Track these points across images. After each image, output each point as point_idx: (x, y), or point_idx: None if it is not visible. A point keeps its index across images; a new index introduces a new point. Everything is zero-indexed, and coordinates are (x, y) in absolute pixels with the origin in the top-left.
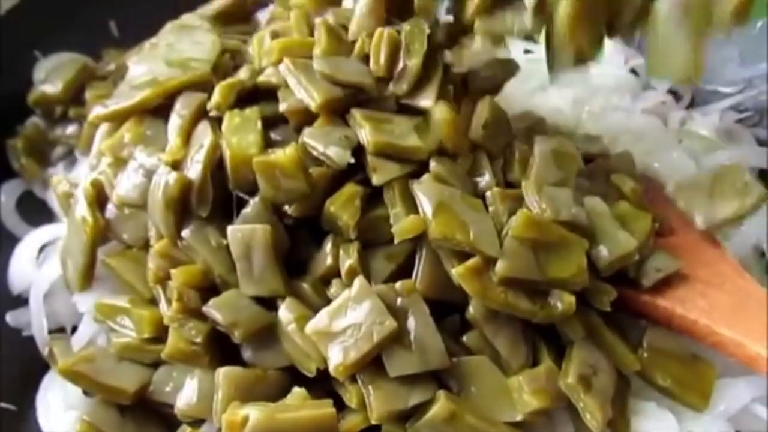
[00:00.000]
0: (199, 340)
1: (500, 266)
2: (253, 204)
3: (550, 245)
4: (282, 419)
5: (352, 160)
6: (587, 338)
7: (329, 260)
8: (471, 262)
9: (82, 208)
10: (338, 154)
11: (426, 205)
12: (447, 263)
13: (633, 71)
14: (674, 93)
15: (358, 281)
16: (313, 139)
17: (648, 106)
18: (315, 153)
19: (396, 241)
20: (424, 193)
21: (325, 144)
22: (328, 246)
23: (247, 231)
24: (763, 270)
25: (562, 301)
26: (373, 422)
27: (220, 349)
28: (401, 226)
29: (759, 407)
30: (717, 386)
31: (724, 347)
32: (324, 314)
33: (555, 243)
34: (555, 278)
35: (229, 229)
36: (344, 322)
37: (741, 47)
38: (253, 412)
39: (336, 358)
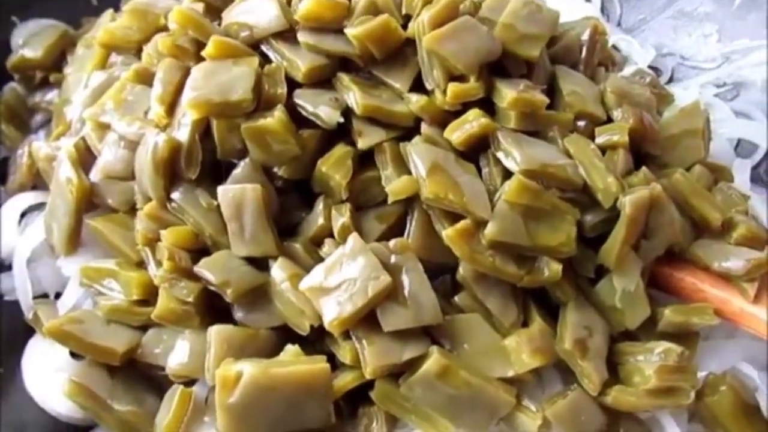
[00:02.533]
0: (191, 299)
1: (490, 229)
2: (243, 165)
3: (541, 212)
4: (276, 374)
5: (342, 120)
6: (578, 298)
7: (321, 220)
8: (461, 224)
9: (66, 170)
10: (328, 114)
11: (420, 166)
12: (438, 224)
13: (614, 47)
14: (655, 69)
15: (353, 237)
16: (303, 99)
17: None
18: (304, 113)
19: (390, 201)
20: (418, 154)
21: (314, 104)
22: (319, 206)
23: (237, 190)
24: None
25: (549, 269)
26: (367, 376)
27: (211, 309)
28: (395, 186)
29: (747, 367)
30: (706, 348)
31: (710, 304)
32: (318, 270)
33: (547, 211)
34: (543, 245)
35: (220, 189)
36: (339, 277)
37: (719, 24)
38: (247, 367)
39: (331, 312)
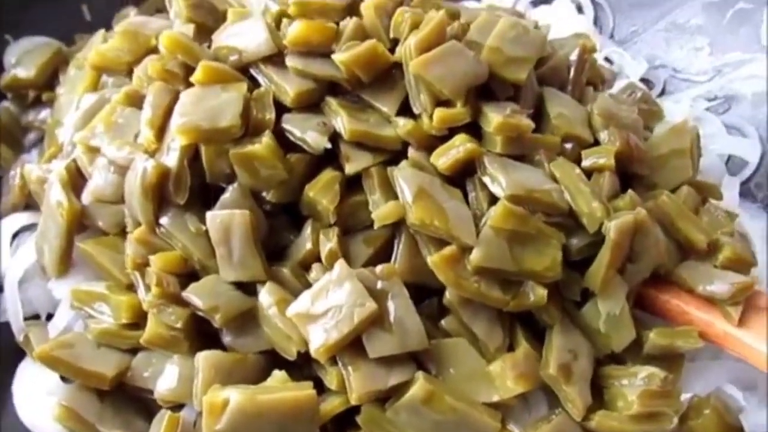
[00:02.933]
0: (179, 325)
1: (475, 255)
2: (231, 189)
3: (527, 237)
4: (263, 401)
5: (329, 146)
6: (564, 321)
7: (309, 245)
8: (446, 251)
9: (57, 193)
10: (315, 140)
11: (406, 191)
12: (425, 249)
13: (607, 59)
14: (647, 81)
15: (339, 264)
16: (291, 124)
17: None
18: (292, 138)
19: (376, 227)
20: (404, 179)
21: (302, 129)
22: (307, 231)
23: (225, 216)
24: None
25: (535, 293)
26: (353, 403)
27: (200, 334)
28: (381, 211)
29: (732, 388)
30: (691, 369)
31: (694, 327)
32: (305, 297)
33: (532, 235)
34: (529, 270)
35: (208, 214)
36: (325, 304)
37: (711, 37)
38: (234, 394)
39: (317, 339)
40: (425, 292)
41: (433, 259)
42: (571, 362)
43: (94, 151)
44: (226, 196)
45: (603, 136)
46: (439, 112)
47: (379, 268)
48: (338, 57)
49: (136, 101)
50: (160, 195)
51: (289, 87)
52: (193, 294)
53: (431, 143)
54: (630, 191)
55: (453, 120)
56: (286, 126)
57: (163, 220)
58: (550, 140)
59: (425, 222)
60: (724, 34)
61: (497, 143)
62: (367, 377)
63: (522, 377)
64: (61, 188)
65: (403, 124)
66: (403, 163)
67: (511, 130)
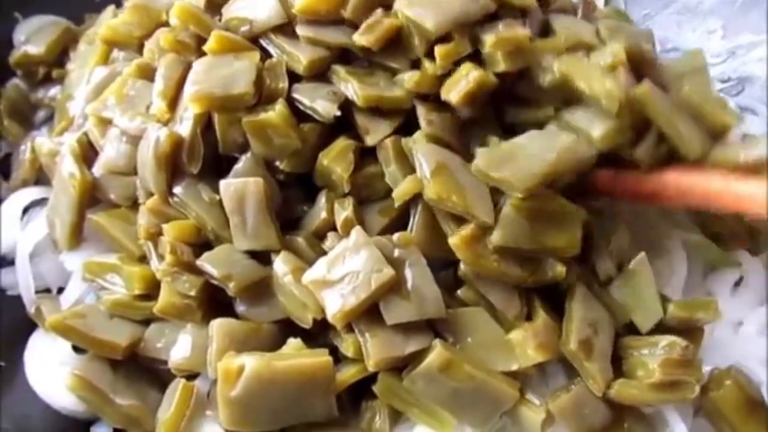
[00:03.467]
0: (193, 293)
1: (496, 236)
2: (245, 159)
3: (548, 214)
4: (279, 367)
5: (339, 113)
6: (586, 295)
7: (323, 214)
8: (466, 231)
9: (69, 164)
10: (325, 108)
11: (425, 166)
12: (444, 225)
13: None
14: None
15: (356, 231)
16: (301, 93)
17: None
18: (302, 108)
19: (395, 205)
20: (423, 153)
21: (311, 98)
22: (322, 200)
23: (239, 184)
24: None
25: (554, 270)
26: (371, 369)
27: (213, 303)
28: (401, 190)
29: (753, 362)
30: (711, 342)
31: (692, 196)
32: (321, 263)
33: (554, 212)
34: (549, 247)
35: (222, 182)
36: (342, 270)
37: (724, 20)
38: (249, 360)
39: (334, 305)
40: (440, 264)
41: (454, 240)
42: (592, 337)
43: (105, 123)
44: (239, 165)
45: (611, 45)
46: (439, 49)
47: (396, 236)
48: (360, 39)
49: (147, 74)
50: (173, 164)
51: (301, 55)
52: (207, 262)
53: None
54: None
55: (453, 53)
56: (296, 95)
57: (177, 190)
58: (553, 44)
59: (443, 197)
60: (736, 17)
61: (499, 61)
62: (385, 344)
63: (543, 346)
64: (73, 160)
65: (410, 76)
66: (419, 134)
67: (508, 43)
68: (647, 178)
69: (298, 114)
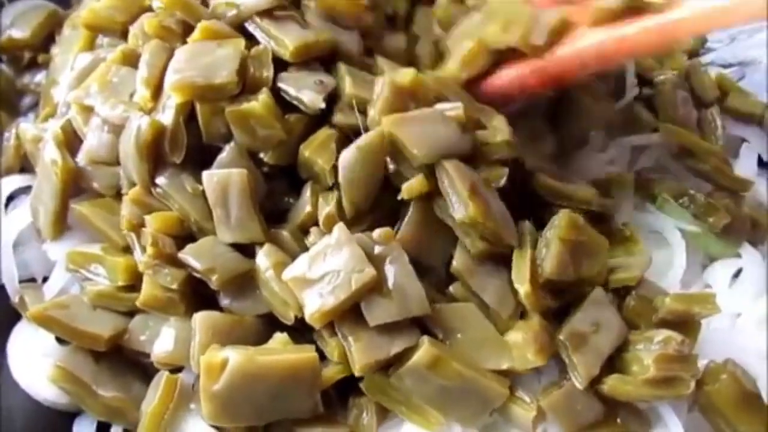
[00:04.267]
0: (174, 286)
1: (549, 271)
2: (228, 149)
3: (584, 245)
4: (263, 362)
5: (323, 105)
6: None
7: (308, 207)
8: (531, 279)
9: (51, 152)
10: (311, 99)
11: (460, 187)
12: (468, 241)
13: None
14: None
15: (338, 228)
16: (286, 83)
17: None
18: (287, 97)
19: (404, 196)
20: (458, 174)
21: (297, 88)
22: (307, 193)
23: (223, 175)
24: None
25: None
26: (357, 374)
27: (197, 296)
28: (411, 185)
29: (748, 355)
30: (706, 335)
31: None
32: (302, 260)
33: (587, 243)
34: (585, 277)
35: (205, 173)
36: (322, 268)
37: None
38: (233, 354)
39: (312, 305)
40: (426, 267)
41: (525, 290)
42: (589, 334)
43: (88, 111)
44: (223, 155)
45: None
46: None
47: (376, 233)
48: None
49: (131, 60)
50: (155, 154)
51: (288, 40)
52: (190, 255)
53: None
54: None
55: None
56: (281, 85)
57: (160, 180)
58: None
59: (477, 221)
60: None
61: None
62: (369, 347)
63: (542, 350)
64: (56, 147)
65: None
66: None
67: None
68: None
69: (285, 104)
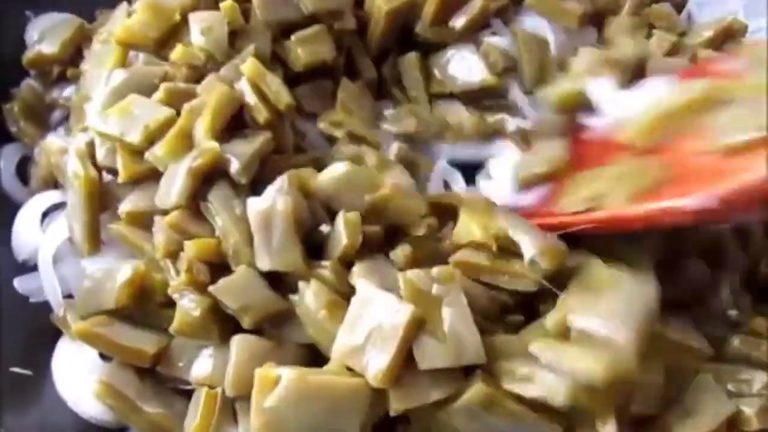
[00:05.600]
0: (197, 314)
1: None
2: (279, 180)
3: None
4: (316, 382)
5: None
6: None
7: (344, 240)
8: None
9: (73, 163)
10: None
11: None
12: None
13: None
14: None
15: (359, 284)
16: None
17: None
18: None
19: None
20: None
21: None
22: (340, 225)
23: (268, 201)
24: None
25: None
26: (391, 414)
27: (233, 323)
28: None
29: None
30: None
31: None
32: (342, 332)
33: None
34: None
35: (250, 199)
36: (364, 329)
37: (745, 1)
38: (287, 371)
39: (372, 369)
40: None
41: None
42: None
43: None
44: (272, 187)
45: None
46: None
47: (436, 270)
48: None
49: (174, 101)
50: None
51: None
52: (223, 292)
53: None
54: None
55: None
56: None
57: (212, 196)
58: None
59: None
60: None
61: None
62: (410, 391)
63: None
64: (78, 159)
65: None
66: None
67: None
68: None
69: None
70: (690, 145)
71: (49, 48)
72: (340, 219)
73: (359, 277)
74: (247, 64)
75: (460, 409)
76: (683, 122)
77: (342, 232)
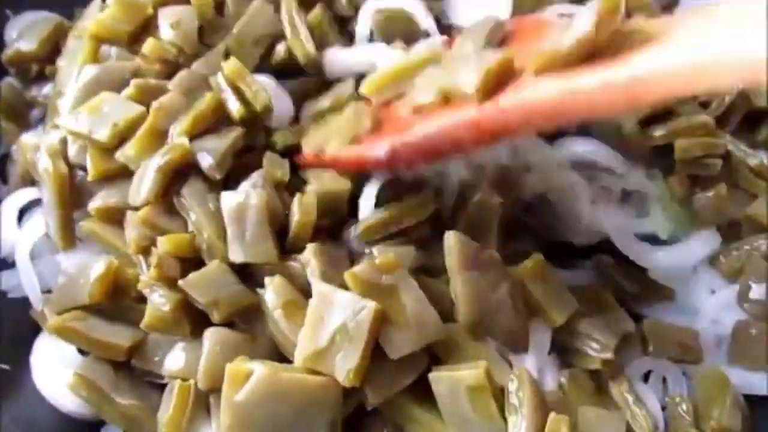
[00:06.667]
0: (167, 309)
1: None
2: (255, 176)
3: None
4: (287, 378)
5: None
6: None
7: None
8: None
9: (44, 160)
10: None
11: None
12: None
13: None
14: None
15: (315, 284)
16: None
17: None
18: None
19: None
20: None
21: None
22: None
23: (242, 195)
24: None
25: None
26: (369, 407)
27: (204, 318)
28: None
29: None
30: None
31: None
32: (302, 337)
33: None
34: None
35: (224, 193)
36: (327, 331)
37: None
38: (259, 367)
39: (341, 371)
40: None
41: None
42: None
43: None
44: (247, 182)
45: None
46: None
47: (378, 261)
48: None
49: (143, 97)
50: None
51: None
52: (192, 286)
53: None
54: None
55: None
56: None
57: (185, 191)
58: None
59: None
60: None
61: None
62: (385, 382)
63: None
64: (48, 156)
65: None
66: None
67: None
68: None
69: None
70: (403, 101)
71: (27, 46)
72: (296, 199)
73: (311, 257)
74: (229, 63)
75: (448, 380)
76: (405, 81)
77: (296, 212)
